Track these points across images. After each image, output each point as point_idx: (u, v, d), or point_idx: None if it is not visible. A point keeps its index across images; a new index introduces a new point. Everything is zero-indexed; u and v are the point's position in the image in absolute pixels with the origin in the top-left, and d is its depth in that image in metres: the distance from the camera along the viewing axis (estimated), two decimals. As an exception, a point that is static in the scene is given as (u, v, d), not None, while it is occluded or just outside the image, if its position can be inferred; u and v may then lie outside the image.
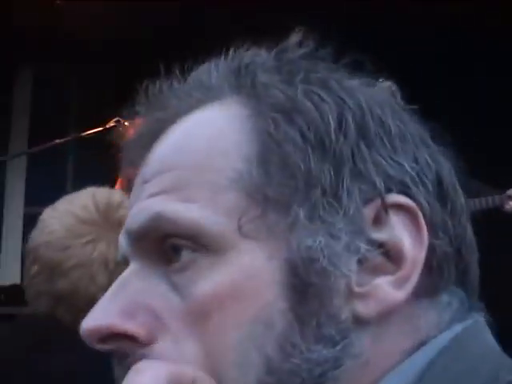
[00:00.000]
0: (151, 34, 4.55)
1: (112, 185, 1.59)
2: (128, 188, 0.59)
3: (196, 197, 0.51)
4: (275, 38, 0.57)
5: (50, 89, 5.44)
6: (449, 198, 0.54)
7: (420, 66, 4.51)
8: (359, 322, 0.50)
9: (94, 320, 0.51)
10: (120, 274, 0.54)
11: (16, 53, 5.05)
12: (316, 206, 0.50)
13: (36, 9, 4.67)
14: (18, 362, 1.44)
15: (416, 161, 0.53)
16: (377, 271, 0.51)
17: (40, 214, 1.53)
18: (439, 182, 0.54)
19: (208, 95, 0.56)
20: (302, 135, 0.51)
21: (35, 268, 1.47)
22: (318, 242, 0.49)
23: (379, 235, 0.51)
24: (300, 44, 0.56)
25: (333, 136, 0.51)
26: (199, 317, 0.50)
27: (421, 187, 0.52)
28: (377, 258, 0.50)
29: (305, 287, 0.49)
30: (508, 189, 3.51)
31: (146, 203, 0.53)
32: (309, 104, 0.52)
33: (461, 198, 0.55)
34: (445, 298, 0.53)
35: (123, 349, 0.51)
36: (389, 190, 0.51)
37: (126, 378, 0.47)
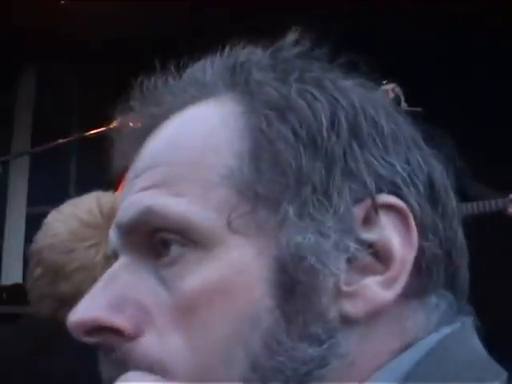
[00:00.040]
0: (151, 33, 4.55)
1: (113, 185, 1.60)
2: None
3: (186, 192, 0.51)
4: (275, 38, 0.58)
5: (53, 89, 5.45)
6: (440, 201, 0.54)
7: (420, 66, 4.52)
8: (347, 321, 0.50)
9: (81, 312, 0.51)
10: None
11: (18, 53, 5.06)
12: (306, 204, 0.50)
13: (36, 9, 4.68)
14: (18, 363, 1.44)
15: (408, 162, 0.53)
16: (366, 271, 0.50)
17: (43, 213, 1.54)
18: (431, 184, 0.53)
19: (202, 91, 0.56)
20: (294, 133, 0.51)
21: (39, 270, 1.48)
22: (307, 239, 0.49)
23: (369, 235, 0.51)
24: (296, 43, 0.56)
25: (325, 135, 0.51)
26: (186, 311, 0.50)
27: (412, 188, 0.52)
28: (366, 257, 0.50)
29: (293, 285, 0.49)
30: (510, 190, 3.51)
31: (136, 197, 0.53)
32: (302, 102, 0.52)
33: (452, 202, 0.55)
34: (433, 299, 0.53)
35: (110, 342, 0.51)
36: (380, 190, 0.51)
37: None
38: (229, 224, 0.50)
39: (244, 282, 0.49)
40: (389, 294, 0.50)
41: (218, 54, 0.58)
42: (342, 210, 0.50)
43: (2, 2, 4.62)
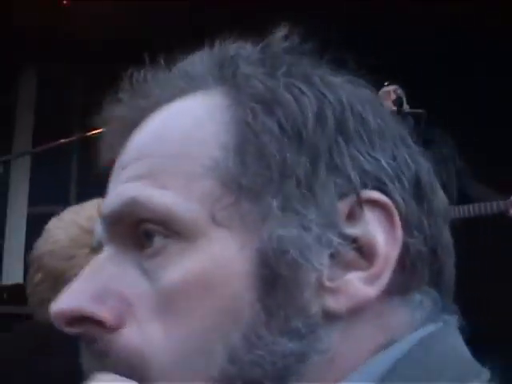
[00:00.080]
0: (151, 33, 4.56)
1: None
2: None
3: (171, 183, 0.51)
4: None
5: (54, 89, 5.46)
6: (426, 198, 0.53)
7: (420, 66, 4.52)
8: (329, 317, 0.49)
9: (63, 303, 0.51)
10: None
11: (18, 53, 5.07)
12: (290, 198, 0.50)
13: (36, 9, 4.68)
14: (18, 363, 1.45)
15: (394, 158, 0.52)
16: (349, 267, 0.50)
17: (44, 213, 1.55)
18: (417, 181, 0.53)
19: (191, 84, 0.56)
20: (280, 126, 0.51)
21: (39, 276, 1.49)
22: (289, 233, 0.49)
23: (353, 230, 0.50)
24: (286, 39, 0.56)
25: (310, 129, 0.51)
26: (166, 303, 0.49)
27: (397, 184, 0.52)
28: (349, 253, 0.50)
29: (274, 278, 0.49)
30: (509, 190, 3.51)
31: (121, 188, 0.53)
32: (289, 96, 0.51)
33: (439, 200, 0.55)
34: (417, 297, 0.52)
35: (91, 333, 0.51)
36: (365, 186, 0.51)
37: None
38: (212, 216, 0.50)
39: (225, 275, 0.49)
40: (372, 291, 0.49)
41: (209, 48, 0.58)
42: (326, 205, 0.50)
43: (2, 1, 4.62)
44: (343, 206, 0.50)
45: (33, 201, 5.41)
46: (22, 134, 5.51)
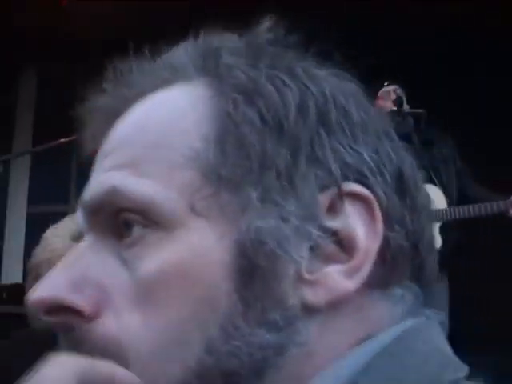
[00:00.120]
0: (151, 33, 4.56)
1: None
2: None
3: (151, 173, 0.51)
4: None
5: (53, 89, 5.46)
6: (408, 193, 0.53)
7: (420, 66, 4.52)
8: (307, 309, 0.49)
9: (41, 291, 0.50)
10: None
11: (18, 53, 5.07)
12: (269, 189, 0.49)
13: (36, 9, 4.68)
14: (16, 370, 1.44)
15: (376, 152, 0.52)
16: (329, 259, 0.50)
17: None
18: (399, 176, 0.53)
19: (175, 75, 0.56)
20: (261, 117, 0.50)
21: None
22: (268, 224, 0.49)
23: (333, 223, 0.50)
24: (270, 30, 0.56)
25: (292, 120, 0.50)
26: (144, 293, 0.49)
27: (379, 178, 0.51)
28: (329, 245, 0.50)
29: (252, 269, 0.48)
30: (509, 190, 3.51)
31: (102, 177, 0.53)
32: (270, 87, 0.51)
33: (422, 195, 0.54)
34: (398, 291, 0.52)
35: (69, 322, 0.50)
36: (346, 178, 0.50)
37: (39, 368, 0.46)
38: (191, 206, 0.49)
39: (203, 265, 0.49)
40: (351, 284, 0.49)
41: (194, 40, 0.57)
42: (306, 197, 0.50)
43: (2, 1, 4.62)
44: (324, 199, 0.50)
45: (33, 200, 5.41)
46: (21, 134, 5.52)
